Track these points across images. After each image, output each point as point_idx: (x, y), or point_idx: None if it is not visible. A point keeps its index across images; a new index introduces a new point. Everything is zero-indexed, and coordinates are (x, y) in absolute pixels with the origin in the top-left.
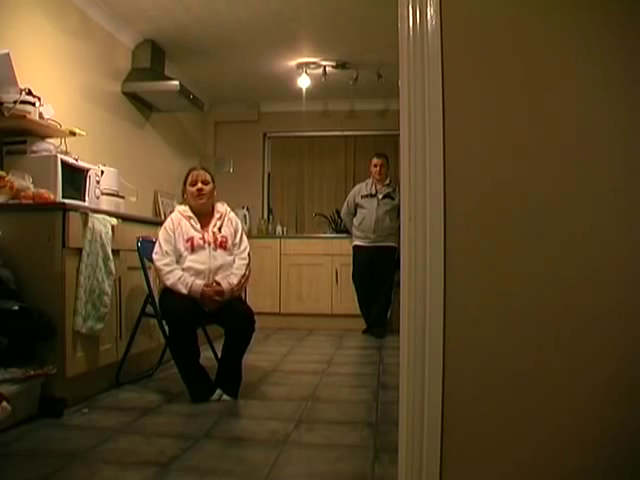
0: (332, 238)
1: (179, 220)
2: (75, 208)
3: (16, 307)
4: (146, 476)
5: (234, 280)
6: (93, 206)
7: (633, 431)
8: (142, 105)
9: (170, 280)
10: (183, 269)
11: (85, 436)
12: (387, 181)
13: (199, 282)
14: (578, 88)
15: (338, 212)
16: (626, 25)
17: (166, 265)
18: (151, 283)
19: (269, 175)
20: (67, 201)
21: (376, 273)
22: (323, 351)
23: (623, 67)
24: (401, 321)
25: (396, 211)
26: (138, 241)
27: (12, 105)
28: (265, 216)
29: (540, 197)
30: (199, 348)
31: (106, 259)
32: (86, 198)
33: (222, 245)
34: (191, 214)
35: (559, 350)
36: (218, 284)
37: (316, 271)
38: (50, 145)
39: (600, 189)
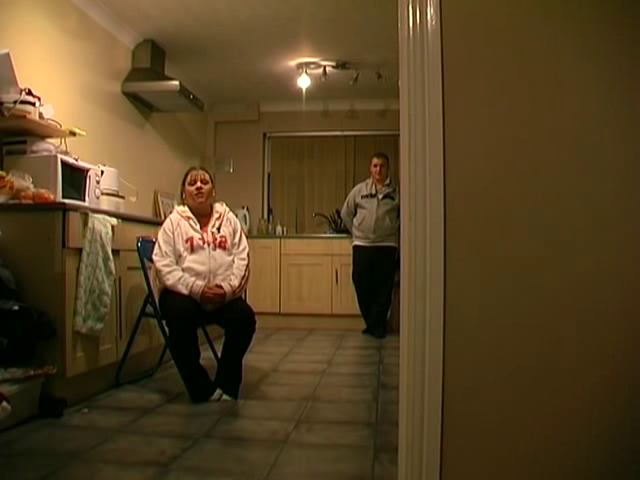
0: (332, 238)
1: (178, 220)
2: (75, 208)
3: (16, 307)
4: (146, 476)
5: (235, 282)
6: (93, 206)
7: (633, 431)
8: (142, 105)
9: (170, 281)
10: (183, 269)
11: (85, 436)
12: (387, 181)
13: (199, 283)
14: (578, 88)
15: (338, 212)
16: (627, 24)
17: (166, 266)
18: (151, 283)
19: (269, 175)
20: (67, 201)
21: (376, 273)
22: (323, 351)
23: (623, 66)
24: (401, 321)
25: (396, 211)
26: (138, 241)
27: (12, 105)
28: (265, 216)
29: (540, 197)
30: (199, 348)
31: (106, 259)
32: (86, 198)
33: (221, 245)
34: (190, 214)
35: (559, 350)
36: (219, 287)
37: (316, 271)
38: (50, 145)
39: (600, 189)
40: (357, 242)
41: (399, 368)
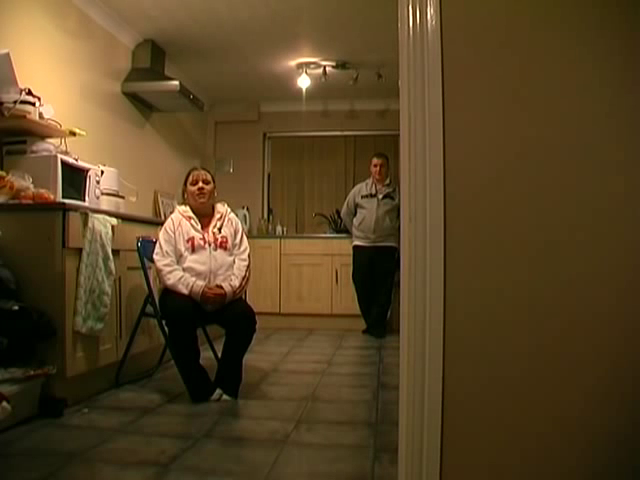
0: (332, 238)
1: (179, 220)
2: (75, 208)
3: (16, 307)
4: (146, 476)
5: (236, 282)
6: (93, 206)
7: (633, 431)
8: (142, 105)
9: (171, 280)
10: (183, 269)
11: (85, 436)
12: (387, 181)
13: (200, 283)
14: (578, 87)
15: (338, 212)
16: (626, 24)
17: (167, 265)
18: (151, 283)
19: (269, 175)
20: (67, 201)
21: (376, 273)
22: (323, 351)
23: (623, 66)
24: (401, 321)
25: (396, 211)
26: (138, 241)
27: (12, 105)
28: (265, 216)
29: (540, 197)
30: (199, 348)
31: (106, 259)
32: (86, 198)
33: (222, 245)
34: (191, 214)
35: (559, 350)
36: (220, 287)
37: (316, 271)
38: (50, 145)
39: (601, 189)
40: (357, 242)
41: (399, 368)
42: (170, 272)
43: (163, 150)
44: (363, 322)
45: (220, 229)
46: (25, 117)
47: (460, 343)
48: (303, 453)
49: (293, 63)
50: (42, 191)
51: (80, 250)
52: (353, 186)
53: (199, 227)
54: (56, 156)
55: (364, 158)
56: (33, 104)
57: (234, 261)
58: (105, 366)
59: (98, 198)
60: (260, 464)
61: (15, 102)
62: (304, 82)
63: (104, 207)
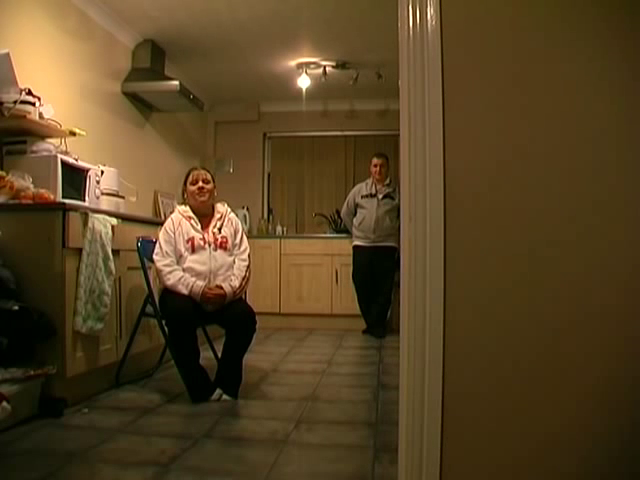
0: (332, 238)
1: (179, 220)
2: (75, 208)
3: (16, 307)
4: (146, 476)
5: (236, 283)
6: (93, 206)
7: (633, 431)
8: (142, 105)
9: (171, 281)
10: (184, 269)
11: (85, 436)
12: (387, 181)
13: (200, 283)
14: (578, 88)
15: (338, 212)
16: (627, 24)
17: (167, 266)
18: (151, 283)
19: (269, 175)
20: (67, 201)
21: (376, 273)
22: (323, 351)
23: (623, 66)
24: (401, 321)
25: (396, 211)
26: (138, 241)
27: (12, 105)
28: (265, 216)
29: (540, 196)
30: (199, 348)
31: (106, 259)
32: (86, 198)
33: (222, 245)
34: (191, 214)
35: (559, 350)
36: (220, 287)
37: (316, 271)
38: (50, 145)
39: (601, 189)
40: (357, 242)
41: (399, 368)
42: (170, 272)
43: (163, 150)
44: (363, 322)
45: (220, 229)
46: (25, 117)
47: (460, 343)
48: (303, 453)
49: (293, 63)
50: (42, 191)
51: (80, 250)
52: (353, 186)
53: (199, 227)
54: (56, 156)
55: (364, 158)
56: (33, 104)
57: (234, 261)
58: (105, 366)
59: (98, 198)
60: (260, 464)
61: (15, 102)
62: (304, 82)
63: (104, 207)
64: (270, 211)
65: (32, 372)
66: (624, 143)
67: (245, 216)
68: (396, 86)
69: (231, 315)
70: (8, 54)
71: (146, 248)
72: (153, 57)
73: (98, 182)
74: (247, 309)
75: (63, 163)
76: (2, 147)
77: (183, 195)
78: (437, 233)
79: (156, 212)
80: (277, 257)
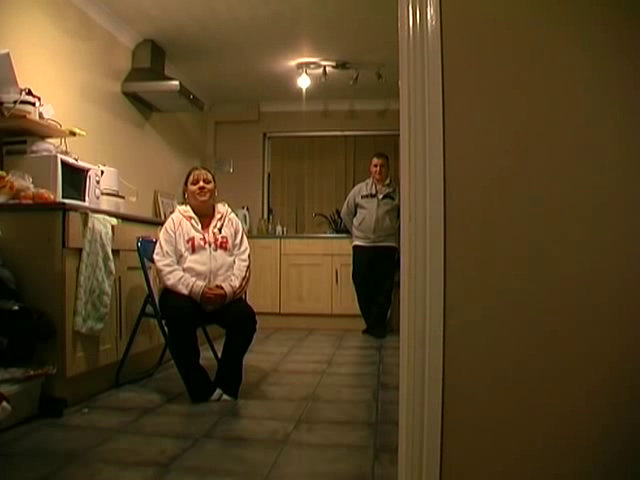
0: (332, 238)
1: (180, 220)
2: (75, 208)
3: (16, 307)
4: (146, 476)
5: (236, 283)
6: (93, 206)
7: (633, 431)
8: (142, 105)
9: (171, 281)
10: (184, 269)
11: (85, 436)
12: (387, 181)
13: (200, 283)
14: (578, 88)
15: (338, 212)
16: (626, 24)
17: (167, 266)
18: (151, 283)
19: (269, 175)
20: (67, 201)
21: (376, 273)
22: (323, 351)
23: (623, 66)
24: (401, 321)
25: (396, 211)
26: (138, 241)
27: (12, 105)
28: (265, 216)
29: (540, 197)
30: (199, 348)
31: (106, 259)
32: (86, 198)
33: (222, 246)
34: (192, 214)
35: (559, 350)
36: (220, 287)
37: (316, 271)
38: (50, 145)
39: (600, 188)
40: (357, 242)
41: (399, 368)
42: (170, 272)
43: (163, 150)
44: (363, 322)
45: (220, 229)
46: (25, 117)
47: (460, 343)
48: (303, 453)
49: (293, 63)
50: (42, 191)
51: (80, 250)
52: (353, 186)
53: (199, 227)
54: (56, 156)
55: (364, 158)
56: (33, 104)
57: (234, 261)
58: (105, 366)
59: (98, 198)
60: (260, 464)
61: (15, 102)
62: (304, 82)
63: (104, 207)
64: (270, 211)
65: (32, 372)
66: (625, 143)
67: (245, 216)
68: (396, 86)
69: (231, 315)
70: (8, 54)
71: (146, 248)
72: (153, 57)
73: (98, 182)
74: (247, 309)
75: (63, 163)
76: (2, 147)
77: (184, 195)
78: (437, 233)
79: (156, 212)
80: (277, 257)
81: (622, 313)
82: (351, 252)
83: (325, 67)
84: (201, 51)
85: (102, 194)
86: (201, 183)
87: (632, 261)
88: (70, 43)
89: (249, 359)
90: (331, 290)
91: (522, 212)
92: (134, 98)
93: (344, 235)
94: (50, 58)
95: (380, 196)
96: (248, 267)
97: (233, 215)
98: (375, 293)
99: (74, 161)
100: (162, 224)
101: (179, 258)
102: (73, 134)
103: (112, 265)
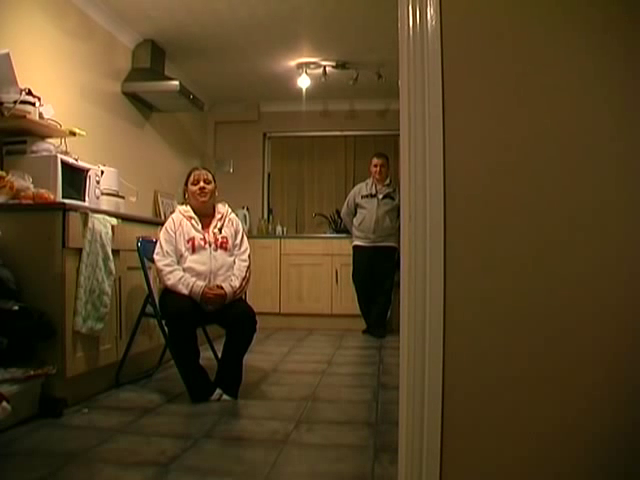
0: (332, 238)
1: (180, 220)
2: (75, 208)
3: (16, 307)
4: (146, 476)
5: (236, 283)
6: (93, 206)
7: (634, 430)
8: (142, 105)
9: (171, 281)
10: (184, 269)
11: (85, 436)
12: (387, 181)
13: (200, 283)
14: (578, 87)
15: (338, 212)
16: (627, 23)
17: (167, 265)
18: (151, 283)
19: (269, 175)
20: (67, 201)
21: (376, 273)
22: (323, 351)
23: (623, 67)
24: (401, 321)
25: (396, 211)
26: (138, 241)
27: (12, 105)
28: (265, 216)
29: (540, 196)
30: (199, 348)
31: (106, 259)
32: (86, 198)
33: (223, 246)
34: (192, 214)
35: (559, 349)
36: (220, 287)
37: (316, 271)
38: (50, 145)
39: (600, 189)
40: (357, 242)
41: (399, 368)
42: (170, 272)
43: (163, 150)
44: (363, 322)
45: (221, 229)
46: (25, 117)
47: (460, 343)
48: (303, 453)
49: (293, 63)
50: (42, 191)
51: (80, 250)
52: (353, 186)
53: (200, 227)
54: (56, 156)
55: (364, 158)
56: (33, 104)
57: (234, 261)
58: (105, 366)
59: (98, 198)
60: (260, 464)
61: (15, 102)
62: (304, 82)
63: (104, 207)
64: (270, 211)
65: (32, 372)
66: (624, 141)
67: (245, 216)
68: (396, 86)
69: (231, 315)
70: (8, 54)
71: (146, 248)
72: (153, 57)
73: (98, 182)
74: (247, 309)
75: (63, 163)
76: (2, 147)
77: (184, 195)
78: (437, 233)
79: (156, 212)
80: (277, 257)
81: (623, 312)
82: (351, 252)
83: (325, 67)
84: (201, 51)
85: (102, 194)
86: (201, 184)
87: (632, 260)
88: (70, 43)
89: (249, 359)
90: (331, 290)
91: (522, 212)
92: (134, 98)
93: (344, 235)
94: (50, 58)
95: (380, 196)
96: (248, 267)
97: (233, 215)
98: (375, 293)
99: (74, 161)
100: (162, 224)
101: (179, 258)
102: (73, 134)
103: (112, 265)
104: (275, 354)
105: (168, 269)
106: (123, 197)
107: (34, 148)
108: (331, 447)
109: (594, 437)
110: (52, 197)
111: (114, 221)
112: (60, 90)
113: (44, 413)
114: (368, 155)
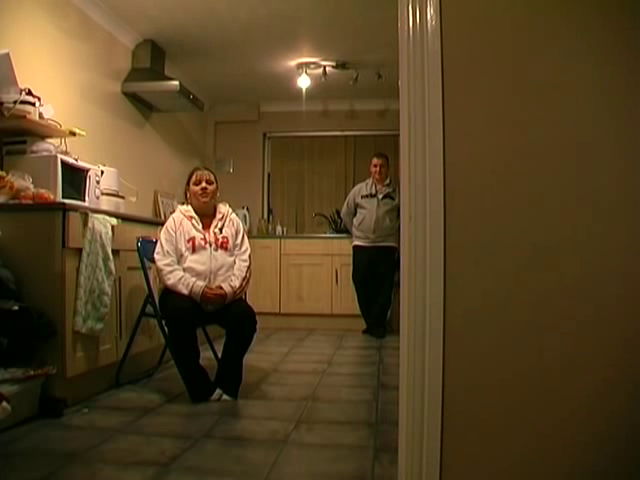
0: (332, 238)
1: (181, 220)
2: (75, 208)
3: (16, 307)
4: (146, 476)
5: (236, 283)
6: (93, 206)
7: (633, 430)
8: (142, 105)
9: (171, 280)
10: (184, 269)
11: (85, 436)
12: (387, 181)
13: (200, 283)
14: (578, 88)
15: (338, 212)
16: (627, 23)
17: (167, 265)
18: (151, 283)
19: (269, 175)
20: (67, 201)
21: (376, 273)
22: (323, 351)
23: (623, 67)
24: (401, 321)
25: (396, 211)
26: (138, 241)
27: (12, 105)
28: (265, 216)
29: (540, 197)
30: (199, 348)
31: (106, 259)
32: (86, 198)
33: (223, 246)
34: (193, 214)
35: (559, 349)
36: (220, 287)
37: (316, 271)
38: (50, 145)
39: (600, 188)
40: (357, 242)
41: (399, 368)
42: (170, 272)
43: (163, 150)
44: (363, 322)
45: (221, 229)
46: (25, 117)
47: (460, 343)
48: (303, 453)
49: (293, 63)
50: (42, 191)
51: (80, 250)
52: (353, 186)
53: (200, 227)
54: (56, 156)
55: (364, 158)
56: (33, 104)
57: (235, 262)
58: (105, 366)
59: (98, 198)
60: (260, 464)
61: (15, 102)
62: (304, 82)
63: (104, 207)
64: (270, 211)
65: (32, 372)
66: (624, 141)
67: (245, 216)
68: (396, 86)
69: (231, 315)
70: (8, 54)
71: (146, 248)
72: (153, 57)
73: (98, 182)
74: (247, 309)
75: (63, 163)
76: (2, 147)
77: (185, 195)
78: (437, 233)
79: (156, 212)
80: (277, 257)
81: (623, 312)
82: (351, 252)
83: (325, 67)
84: (201, 51)
85: (102, 194)
86: (203, 184)
87: (632, 260)
88: (70, 43)
89: (249, 359)
90: (331, 290)
91: (522, 211)
92: (134, 98)
93: (344, 235)
94: (50, 58)
95: (380, 196)
96: (248, 267)
97: (234, 215)
98: (375, 293)
99: (74, 161)
100: (162, 224)
101: (179, 258)
102: (73, 134)
103: (112, 265)
104: (275, 354)
105: (168, 269)
106: (123, 197)
107: (34, 148)
108: (331, 447)
109: (594, 437)
110: (52, 197)
111: (114, 221)
112: (60, 90)
113: (44, 413)
114: (368, 155)
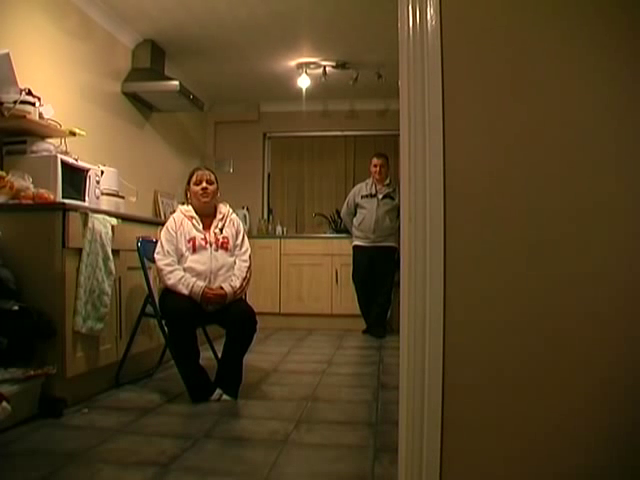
0: (332, 238)
1: (181, 220)
2: (75, 208)
3: (16, 307)
4: (146, 476)
5: (236, 283)
6: (93, 206)
7: (633, 431)
8: (142, 105)
9: (171, 280)
10: (184, 269)
11: (85, 436)
12: (387, 181)
13: (200, 283)
14: (578, 87)
15: (338, 212)
16: (627, 22)
17: (167, 265)
18: (151, 283)
19: (269, 175)
20: (67, 201)
21: (376, 273)
22: (323, 351)
23: (623, 66)
24: (401, 321)
25: (396, 211)
26: (138, 241)
27: (12, 105)
28: (265, 216)
29: (540, 197)
30: (199, 348)
31: (106, 259)
32: (86, 198)
33: (223, 246)
34: (193, 214)
35: (559, 349)
36: (220, 288)
37: (316, 271)
38: (50, 145)
39: (600, 188)
40: (357, 242)
41: (399, 368)
42: (171, 272)
43: (163, 150)
44: (363, 322)
45: (222, 229)
46: (25, 117)
47: (460, 343)
48: (303, 453)
49: (293, 63)
50: (42, 191)
51: (80, 250)
52: (353, 186)
53: (201, 227)
54: (56, 156)
55: (364, 158)
56: (33, 104)
57: (235, 262)
58: (105, 366)
59: (98, 198)
60: (260, 464)
61: (15, 102)
62: (304, 82)
63: (104, 207)
64: (270, 211)
65: (32, 372)
66: (624, 141)
67: (245, 216)
68: (396, 86)
69: (231, 315)
70: (8, 54)
71: (146, 248)
72: (153, 57)
73: (98, 182)
74: (247, 309)
75: (63, 163)
76: (2, 147)
77: (186, 195)
78: (437, 233)
79: (156, 212)
80: (277, 257)
81: (622, 312)
82: (351, 252)
83: (325, 67)
84: (201, 51)
85: (102, 194)
86: (204, 184)
87: (632, 260)
88: (70, 43)
89: (249, 359)
90: (331, 290)
91: (522, 211)
92: (134, 98)
93: (344, 235)
94: (50, 58)
95: (380, 196)
96: (249, 268)
97: (235, 216)
98: (375, 293)
99: (74, 161)
100: (162, 224)
101: (180, 258)
102: (73, 134)
103: (112, 265)
104: (275, 354)
105: (168, 269)
106: (123, 197)
107: (34, 148)
108: (331, 447)
109: (594, 437)
110: (52, 197)
111: (114, 221)
112: (60, 90)
113: (44, 413)
114: (368, 155)
